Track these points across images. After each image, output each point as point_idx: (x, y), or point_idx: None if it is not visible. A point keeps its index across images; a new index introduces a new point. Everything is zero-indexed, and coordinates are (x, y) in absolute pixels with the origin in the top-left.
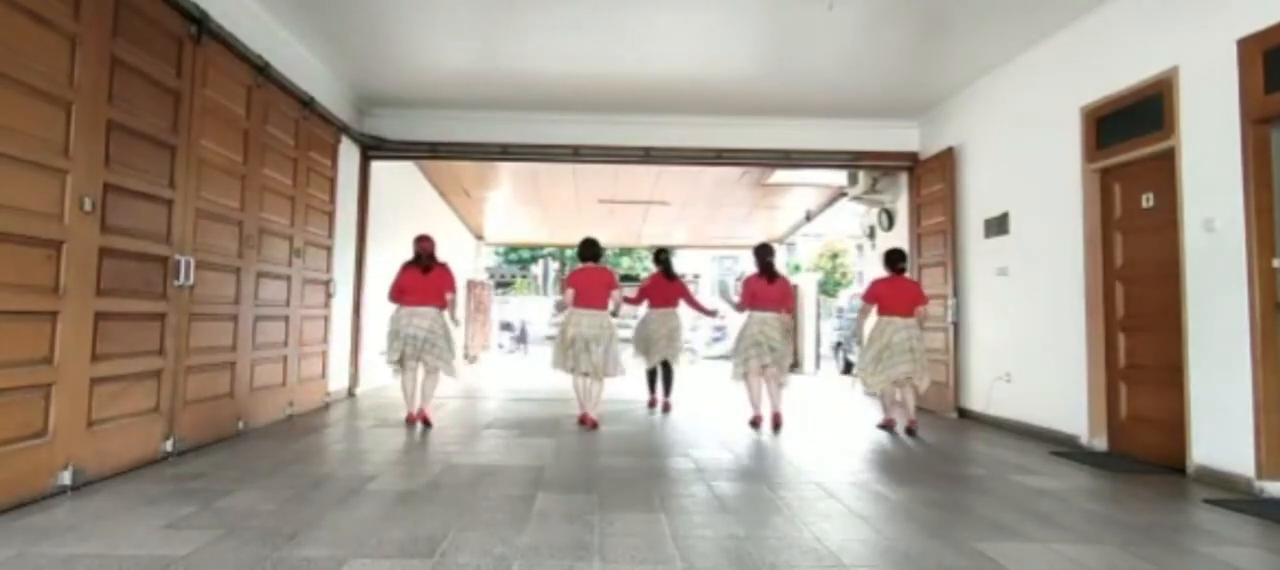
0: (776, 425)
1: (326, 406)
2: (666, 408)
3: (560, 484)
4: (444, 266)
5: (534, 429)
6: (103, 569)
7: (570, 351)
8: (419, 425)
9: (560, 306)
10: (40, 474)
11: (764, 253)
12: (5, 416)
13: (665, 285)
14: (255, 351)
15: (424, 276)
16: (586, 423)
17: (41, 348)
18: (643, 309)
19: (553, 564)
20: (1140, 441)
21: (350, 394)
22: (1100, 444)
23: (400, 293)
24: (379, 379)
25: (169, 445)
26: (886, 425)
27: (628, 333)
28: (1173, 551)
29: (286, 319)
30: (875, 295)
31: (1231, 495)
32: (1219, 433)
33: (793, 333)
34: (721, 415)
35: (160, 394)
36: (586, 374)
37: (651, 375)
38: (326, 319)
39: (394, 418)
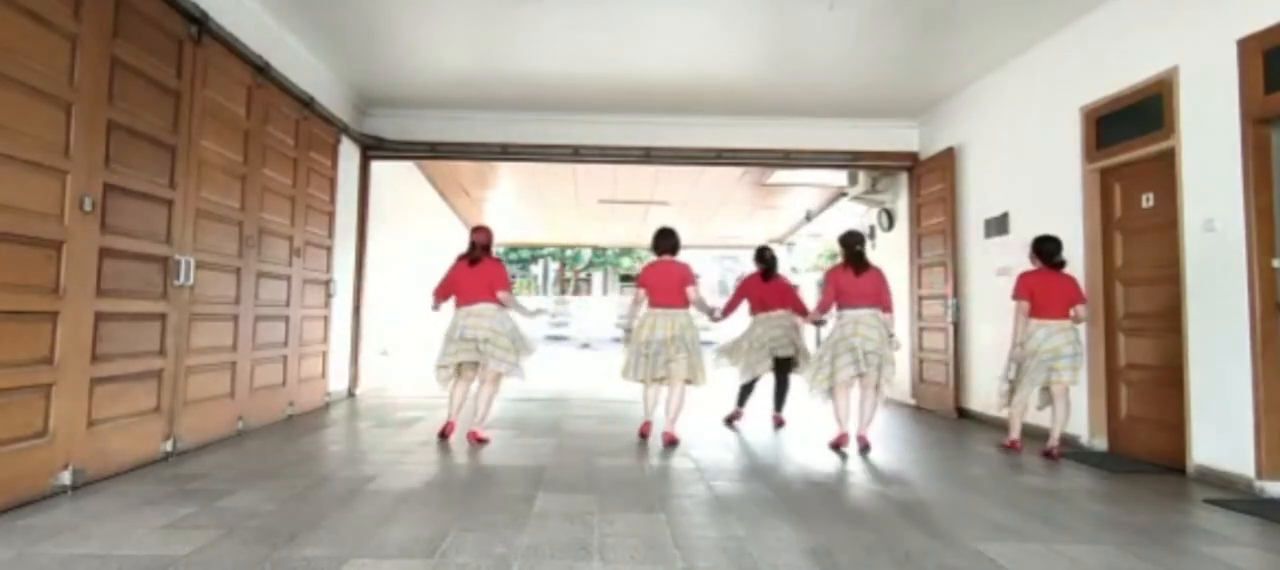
0: (864, 449)
1: (326, 406)
2: (779, 423)
3: (560, 484)
4: (496, 260)
5: (534, 429)
6: (103, 569)
7: (644, 359)
8: (452, 438)
9: (636, 305)
10: (40, 474)
11: (852, 241)
12: (5, 416)
13: (764, 287)
14: (255, 351)
15: (471, 269)
16: (647, 434)
17: (41, 348)
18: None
19: (553, 564)
20: (1140, 441)
21: (350, 394)
22: (1100, 444)
23: (451, 289)
24: (379, 379)
25: (169, 445)
26: (1012, 446)
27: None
28: (1173, 552)
29: (286, 319)
30: (1027, 290)
31: (1231, 495)
32: (1219, 433)
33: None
34: (719, 418)
35: (160, 394)
36: (660, 381)
37: (745, 389)
38: (326, 319)
39: (394, 418)
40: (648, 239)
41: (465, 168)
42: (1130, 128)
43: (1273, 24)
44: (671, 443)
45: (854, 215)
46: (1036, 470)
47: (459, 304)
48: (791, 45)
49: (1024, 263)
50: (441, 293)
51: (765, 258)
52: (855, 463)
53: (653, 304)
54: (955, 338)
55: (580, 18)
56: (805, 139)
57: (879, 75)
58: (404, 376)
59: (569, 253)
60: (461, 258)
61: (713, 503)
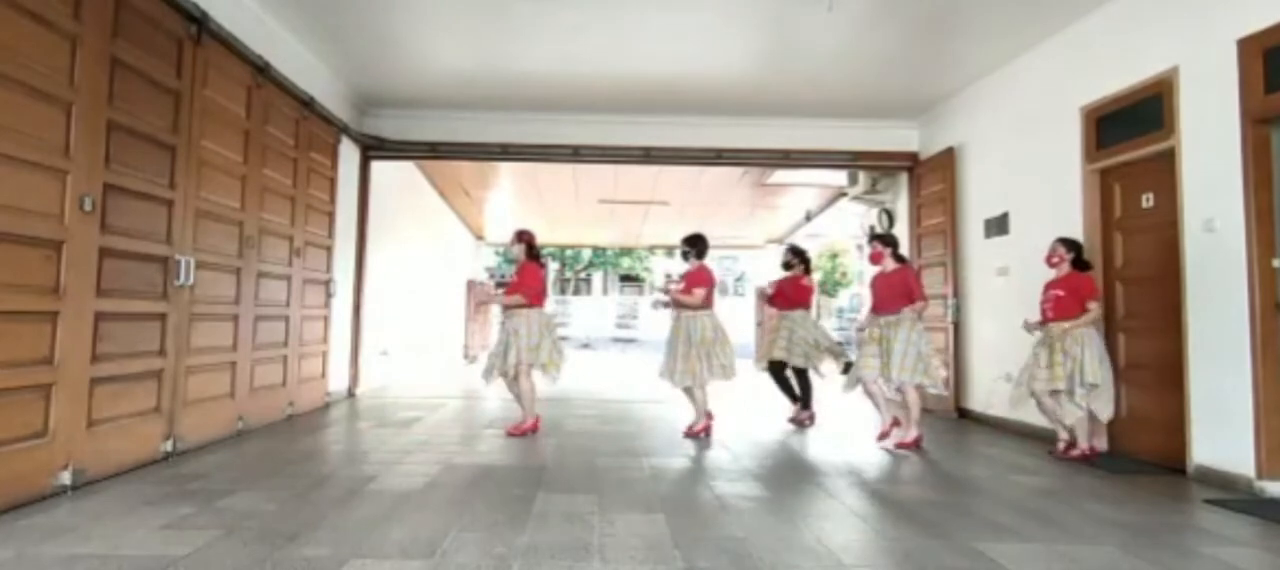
0: (886, 438)
1: (326, 406)
2: (811, 420)
3: (560, 484)
4: None
5: None
6: (102, 569)
7: (703, 360)
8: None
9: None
10: (40, 474)
11: (888, 242)
12: (5, 416)
13: (803, 285)
14: (255, 351)
15: (541, 271)
16: (703, 430)
17: (41, 348)
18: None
19: (553, 564)
20: (1140, 441)
21: (350, 394)
22: (1101, 444)
23: (543, 294)
24: (379, 379)
25: (169, 445)
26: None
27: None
28: (1173, 552)
29: (286, 319)
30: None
31: (1232, 495)
32: (1219, 433)
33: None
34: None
35: (160, 394)
36: (721, 378)
37: (801, 381)
38: (326, 319)
39: (394, 418)
40: (647, 239)
41: (465, 168)
42: (1130, 128)
43: (1273, 24)
44: (706, 429)
45: (854, 215)
46: (1036, 470)
47: (540, 305)
48: (791, 45)
49: (1023, 262)
50: (541, 296)
51: (804, 256)
52: (856, 462)
53: (707, 305)
54: (955, 338)
55: (580, 18)
56: (805, 139)
57: (879, 75)
58: (404, 376)
59: (569, 253)
60: (532, 260)
61: (713, 503)
